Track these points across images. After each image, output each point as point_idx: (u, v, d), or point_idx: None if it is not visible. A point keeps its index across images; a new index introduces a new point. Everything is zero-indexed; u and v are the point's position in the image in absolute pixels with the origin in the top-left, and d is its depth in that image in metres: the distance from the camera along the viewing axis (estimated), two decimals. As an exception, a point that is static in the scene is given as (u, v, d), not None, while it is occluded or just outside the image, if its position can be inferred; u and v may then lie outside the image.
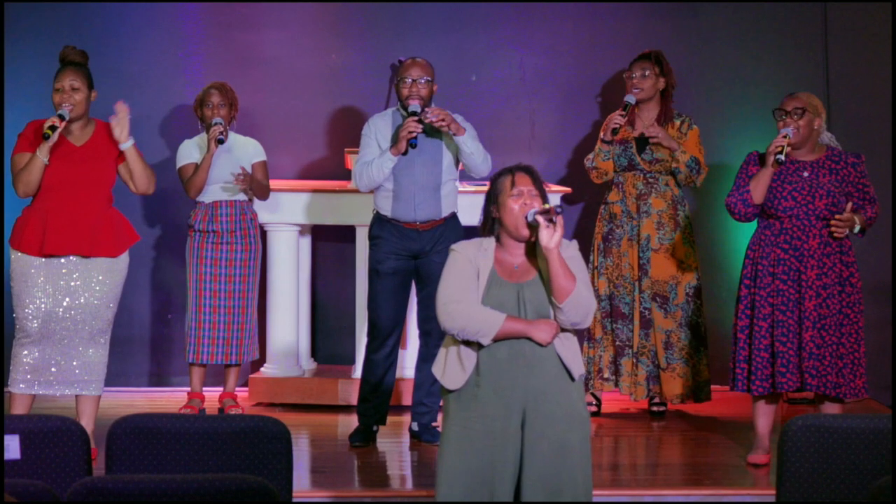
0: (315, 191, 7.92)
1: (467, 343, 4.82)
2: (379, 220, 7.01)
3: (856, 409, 7.52)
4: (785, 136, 6.53)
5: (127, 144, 6.59)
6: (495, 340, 4.78)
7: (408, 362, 7.63)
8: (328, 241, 8.35)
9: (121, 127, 6.58)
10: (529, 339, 4.79)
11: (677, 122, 7.67)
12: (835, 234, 6.53)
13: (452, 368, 4.85)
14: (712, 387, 7.75)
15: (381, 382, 7.04)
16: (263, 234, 7.92)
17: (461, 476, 4.79)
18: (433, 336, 7.02)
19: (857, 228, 6.56)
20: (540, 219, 4.74)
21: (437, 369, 4.91)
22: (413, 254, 6.96)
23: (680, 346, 7.57)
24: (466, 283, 4.81)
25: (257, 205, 7.76)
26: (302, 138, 8.38)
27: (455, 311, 4.77)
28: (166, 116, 8.30)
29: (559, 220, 4.73)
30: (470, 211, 7.84)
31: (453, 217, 7.06)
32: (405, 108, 6.93)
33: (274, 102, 8.37)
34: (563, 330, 4.84)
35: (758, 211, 6.63)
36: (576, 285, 4.75)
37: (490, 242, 4.90)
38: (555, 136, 8.44)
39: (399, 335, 7.07)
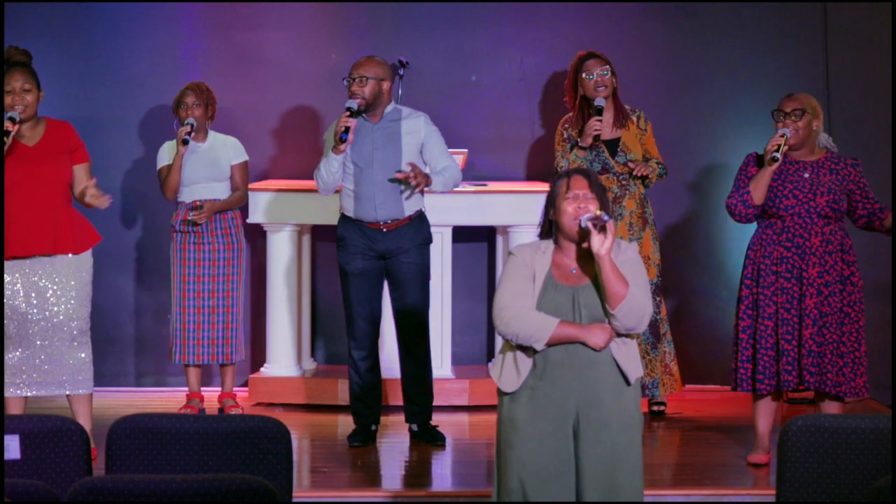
0: (315, 191, 7.90)
1: (523, 348, 4.84)
2: (344, 221, 7.01)
3: (856, 409, 7.53)
4: (782, 136, 6.53)
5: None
6: (549, 345, 4.79)
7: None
8: (328, 241, 8.34)
9: (95, 200, 6.58)
10: (584, 343, 4.80)
11: (635, 119, 7.62)
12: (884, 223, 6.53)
13: (508, 372, 4.88)
14: (711, 387, 7.74)
15: (369, 381, 7.06)
16: (263, 234, 7.93)
17: (521, 477, 4.81)
18: (411, 335, 7.02)
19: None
20: (590, 225, 4.76)
21: (494, 372, 4.94)
22: (380, 254, 6.95)
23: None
24: (522, 287, 4.83)
25: (258, 204, 7.76)
26: (302, 138, 8.38)
27: (509, 318, 4.80)
28: (166, 116, 8.29)
29: (610, 226, 4.74)
30: (471, 210, 7.84)
31: (419, 216, 7.01)
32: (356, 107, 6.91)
33: (274, 102, 8.37)
34: (620, 334, 4.85)
35: (758, 212, 6.63)
36: (629, 291, 4.76)
37: (549, 245, 4.91)
38: (555, 136, 8.43)
39: (377, 333, 7.08)
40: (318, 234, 8.28)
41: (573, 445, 4.81)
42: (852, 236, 6.70)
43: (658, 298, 7.60)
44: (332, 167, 6.86)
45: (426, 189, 6.86)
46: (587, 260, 4.86)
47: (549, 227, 4.93)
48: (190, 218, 7.42)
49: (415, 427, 7.11)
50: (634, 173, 7.47)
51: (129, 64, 8.29)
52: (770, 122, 6.75)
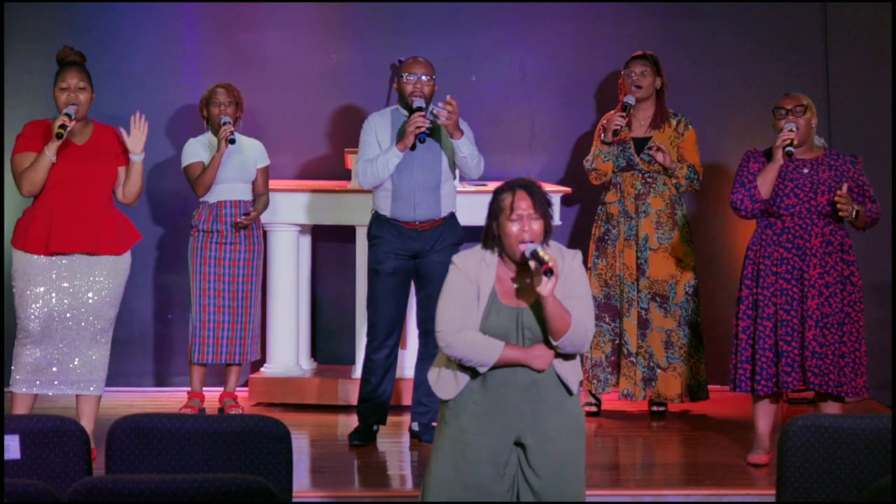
0: (315, 191, 7.92)
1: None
2: (378, 220, 7.01)
3: (856, 409, 7.53)
4: (791, 130, 6.54)
5: (139, 157, 6.60)
6: (493, 368, 4.76)
7: (408, 362, 7.63)
8: (328, 241, 8.35)
9: (137, 139, 6.59)
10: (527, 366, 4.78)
11: (674, 122, 7.67)
12: (840, 213, 6.48)
13: (445, 379, 4.86)
14: (711, 387, 7.75)
15: (381, 382, 7.05)
16: (263, 234, 7.93)
17: (451, 487, 4.79)
18: (433, 335, 7.01)
19: (855, 213, 6.50)
20: (533, 265, 4.65)
21: (431, 376, 4.92)
22: (413, 254, 6.97)
23: (679, 346, 7.58)
24: (465, 306, 4.77)
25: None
26: (302, 138, 8.38)
27: (453, 342, 4.75)
28: (166, 117, 8.30)
29: (555, 266, 4.62)
30: (470, 210, 7.85)
31: (452, 217, 7.07)
32: (406, 106, 6.93)
33: (274, 102, 8.37)
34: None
35: (764, 207, 6.62)
36: (571, 323, 4.69)
37: (493, 258, 4.81)
38: (555, 136, 8.44)
39: (399, 335, 7.08)
40: (318, 234, 8.28)
41: (516, 458, 4.79)
42: (852, 236, 6.70)
43: (697, 300, 7.65)
44: (390, 163, 6.85)
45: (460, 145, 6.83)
46: (530, 275, 4.74)
47: (493, 240, 4.80)
48: (240, 221, 7.43)
49: (415, 426, 7.12)
50: (651, 152, 7.51)
51: (129, 64, 8.29)
52: (769, 122, 6.74)
